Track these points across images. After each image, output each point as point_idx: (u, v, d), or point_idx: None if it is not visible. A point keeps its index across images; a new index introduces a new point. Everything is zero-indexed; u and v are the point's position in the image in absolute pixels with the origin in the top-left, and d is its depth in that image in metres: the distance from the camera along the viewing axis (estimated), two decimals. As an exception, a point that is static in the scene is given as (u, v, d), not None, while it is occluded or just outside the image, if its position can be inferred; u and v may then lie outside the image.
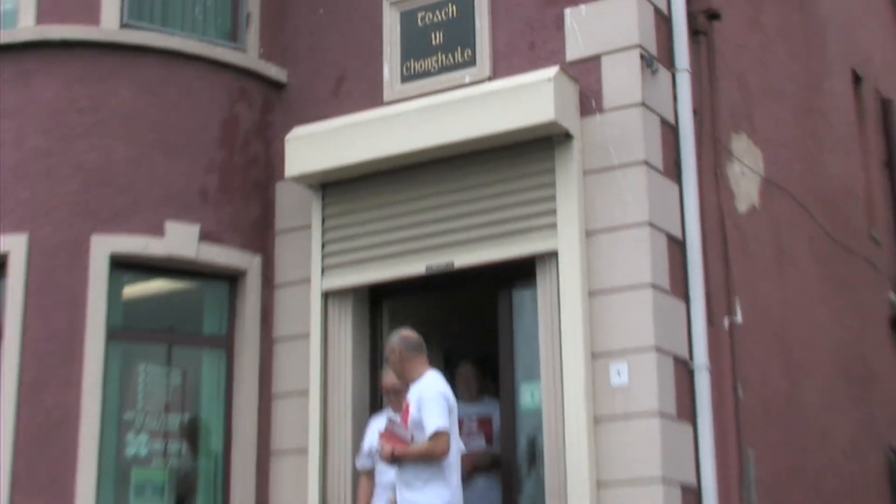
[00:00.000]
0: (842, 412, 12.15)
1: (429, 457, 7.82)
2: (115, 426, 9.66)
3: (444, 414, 7.93)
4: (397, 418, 8.33)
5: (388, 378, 8.84)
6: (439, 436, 7.75)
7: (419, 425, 7.77)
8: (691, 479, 8.84)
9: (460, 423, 9.36)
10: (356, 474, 9.31)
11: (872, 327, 13.52)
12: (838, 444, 11.93)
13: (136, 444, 9.75)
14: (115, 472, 9.65)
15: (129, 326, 9.96)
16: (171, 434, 9.94)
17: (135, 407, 9.82)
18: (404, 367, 8.13)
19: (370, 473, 8.99)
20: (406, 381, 8.12)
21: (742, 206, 10.36)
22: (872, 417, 12.96)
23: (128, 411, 9.78)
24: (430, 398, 7.89)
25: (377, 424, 8.87)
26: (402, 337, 8.28)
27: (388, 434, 7.86)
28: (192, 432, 10.09)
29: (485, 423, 9.75)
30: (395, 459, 7.78)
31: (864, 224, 13.72)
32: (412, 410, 7.82)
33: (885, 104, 14.82)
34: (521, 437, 9.38)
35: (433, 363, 9.50)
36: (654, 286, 8.78)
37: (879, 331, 13.74)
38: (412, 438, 7.82)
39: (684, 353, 9.04)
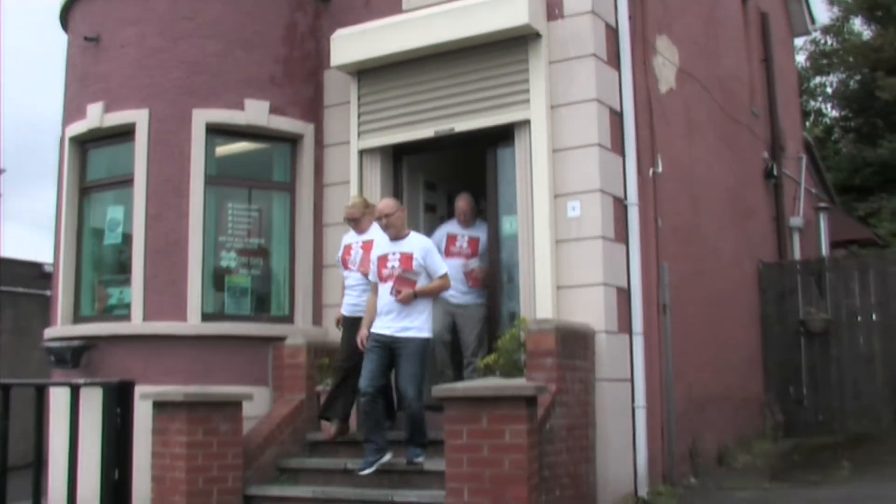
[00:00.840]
0: (728, 235, 12.26)
1: (441, 290, 8.21)
2: (212, 246, 9.77)
3: (443, 259, 8.34)
4: (360, 241, 8.81)
5: (350, 211, 8.97)
6: (446, 276, 8.06)
7: (423, 268, 7.91)
8: (623, 283, 9.02)
9: (455, 240, 9.57)
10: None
11: (751, 176, 13.57)
12: (725, 257, 12.08)
13: (228, 259, 9.86)
14: (214, 278, 9.78)
15: (220, 175, 9.95)
16: (252, 252, 10.00)
17: (226, 232, 9.88)
18: (404, 223, 8.12)
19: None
20: (398, 234, 8.04)
21: (663, 87, 10.32)
22: (748, 239, 13.08)
23: (221, 235, 9.85)
24: (433, 249, 8.13)
25: (344, 240, 9.11)
26: (398, 202, 8.46)
27: (400, 280, 7.87)
28: (266, 251, 10.15)
29: (473, 242, 9.70)
30: (415, 297, 7.83)
31: (748, 102, 13.69)
32: (417, 258, 7.87)
33: (762, 17, 14.68)
34: (503, 255, 9.51)
35: (438, 203, 9.67)
36: (600, 145, 8.85)
37: (756, 178, 13.80)
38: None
39: (620, 194, 9.12)
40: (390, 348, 7.86)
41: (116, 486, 3.36)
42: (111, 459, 3.38)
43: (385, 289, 7.94)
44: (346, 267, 8.97)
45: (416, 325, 7.83)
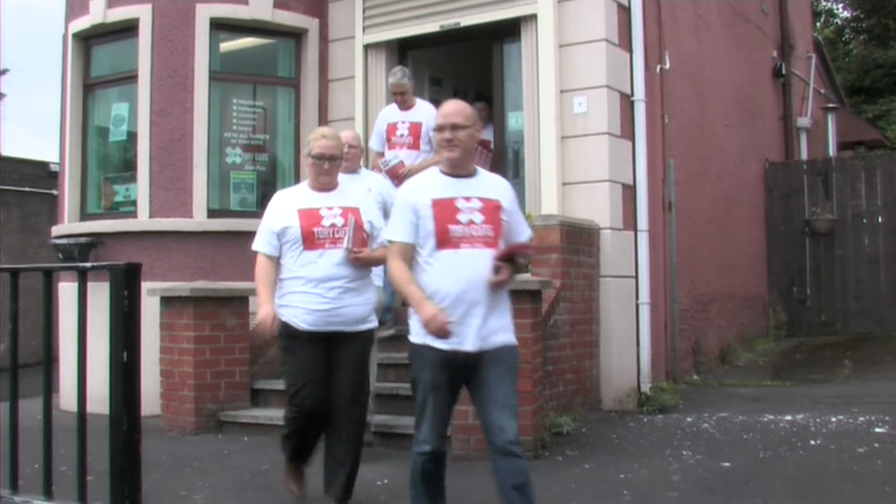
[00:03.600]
0: (735, 133, 12.20)
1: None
2: (217, 142, 9.73)
3: None
4: (337, 207, 5.34)
5: (331, 144, 5.34)
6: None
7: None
8: (629, 180, 8.98)
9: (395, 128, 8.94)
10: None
11: (759, 75, 13.45)
12: (731, 155, 12.04)
13: (233, 155, 9.80)
14: (219, 174, 9.76)
15: (224, 71, 9.86)
16: (256, 148, 9.96)
17: (231, 129, 9.82)
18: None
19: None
20: (467, 168, 4.42)
21: (672, -18, 10.16)
22: (755, 138, 13.03)
23: (226, 132, 9.81)
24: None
25: (293, 200, 5.42)
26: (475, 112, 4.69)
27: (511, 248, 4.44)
28: (271, 147, 10.10)
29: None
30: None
31: (758, 0, 13.56)
32: (506, 207, 4.43)
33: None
34: (509, 151, 9.45)
35: (443, 99, 9.47)
36: (607, 41, 8.72)
37: (764, 78, 13.68)
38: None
39: (627, 90, 9.04)
40: (469, 368, 4.40)
41: (125, 366, 3.40)
42: (120, 342, 3.41)
43: (460, 259, 4.35)
44: (313, 245, 5.27)
45: (508, 322, 4.54)
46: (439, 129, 4.46)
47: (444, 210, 4.38)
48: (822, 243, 13.09)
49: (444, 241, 4.35)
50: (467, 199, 4.40)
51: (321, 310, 5.24)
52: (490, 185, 4.52)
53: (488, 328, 4.36)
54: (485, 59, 9.70)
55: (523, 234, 4.62)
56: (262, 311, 5.23)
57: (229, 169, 9.81)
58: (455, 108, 4.49)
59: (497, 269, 4.34)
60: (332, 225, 5.29)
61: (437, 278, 4.34)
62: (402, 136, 8.59)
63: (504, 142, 9.48)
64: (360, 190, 5.85)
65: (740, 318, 11.93)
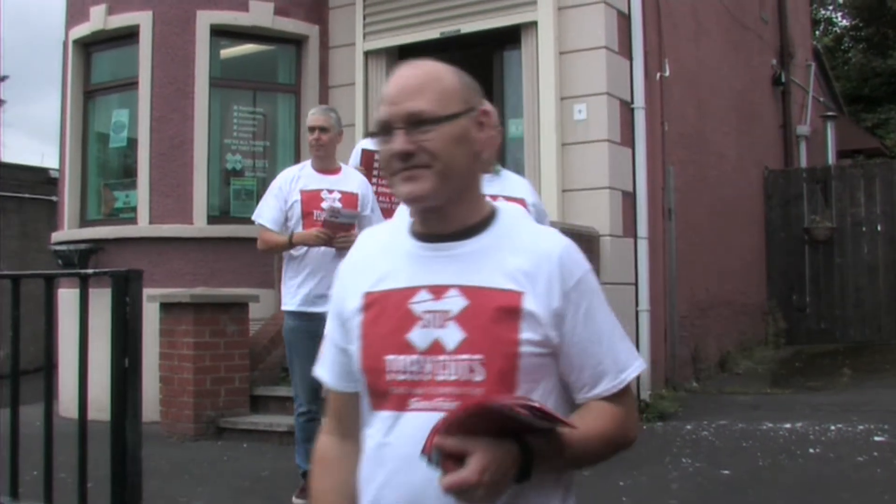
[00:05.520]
0: (734, 140, 12.20)
1: None
2: (218, 148, 9.75)
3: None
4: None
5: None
6: None
7: None
8: (629, 187, 8.99)
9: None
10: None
11: (759, 82, 13.46)
12: (730, 162, 12.04)
13: (233, 162, 9.83)
14: (220, 180, 9.80)
15: (225, 77, 9.89)
16: (257, 154, 9.97)
17: (231, 135, 9.85)
18: None
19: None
20: None
21: (671, -10, 10.18)
22: (754, 145, 13.04)
23: (226, 138, 9.84)
24: None
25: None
26: None
27: None
28: (271, 153, 10.10)
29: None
30: None
31: (757, 8, 13.51)
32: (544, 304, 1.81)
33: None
34: (509, 158, 9.41)
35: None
36: (607, 48, 8.74)
37: (763, 85, 13.69)
38: None
39: (627, 98, 9.04)
40: None
41: (126, 372, 3.41)
42: (120, 348, 3.42)
43: (403, 432, 1.78)
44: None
45: None
46: (382, 130, 1.85)
47: (384, 320, 1.85)
48: (821, 251, 13.08)
49: (378, 391, 1.84)
50: (436, 290, 1.83)
51: None
52: (508, 255, 1.85)
53: None
54: (485, 66, 9.65)
55: (596, 377, 1.87)
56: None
57: (229, 175, 9.84)
58: (408, 80, 1.84)
59: (439, 456, 1.62)
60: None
61: (368, 473, 1.85)
62: None
63: (504, 149, 9.45)
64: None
65: (739, 326, 11.92)
